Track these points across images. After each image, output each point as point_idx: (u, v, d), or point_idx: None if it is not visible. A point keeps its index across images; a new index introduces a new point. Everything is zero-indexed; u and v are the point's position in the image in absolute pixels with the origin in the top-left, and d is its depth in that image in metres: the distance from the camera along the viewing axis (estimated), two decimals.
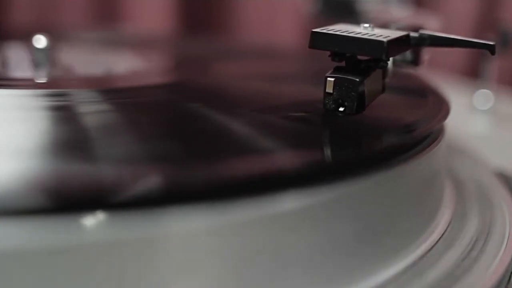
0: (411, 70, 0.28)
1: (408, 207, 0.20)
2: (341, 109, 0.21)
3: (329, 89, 0.21)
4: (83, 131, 0.20)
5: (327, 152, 0.19)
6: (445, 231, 0.21)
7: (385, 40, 0.20)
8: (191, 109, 0.23)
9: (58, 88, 0.27)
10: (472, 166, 0.28)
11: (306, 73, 0.35)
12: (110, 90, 0.26)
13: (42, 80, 0.31)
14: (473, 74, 0.57)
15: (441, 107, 0.24)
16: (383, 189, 0.18)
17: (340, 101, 0.21)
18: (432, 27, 0.29)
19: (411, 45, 0.23)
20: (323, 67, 0.22)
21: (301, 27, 0.64)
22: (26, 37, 0.33)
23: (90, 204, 0.14)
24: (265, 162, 0.17)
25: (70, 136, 0.19)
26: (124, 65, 0.35)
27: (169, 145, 0.18)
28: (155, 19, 0.65)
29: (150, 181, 0.15)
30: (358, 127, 0.21)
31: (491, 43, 0.22)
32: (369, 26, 0.22)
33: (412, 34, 0.22)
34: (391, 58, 0.23)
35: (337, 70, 0.21)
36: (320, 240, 0.17)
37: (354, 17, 0.37)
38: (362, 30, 0.21)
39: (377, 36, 0.20)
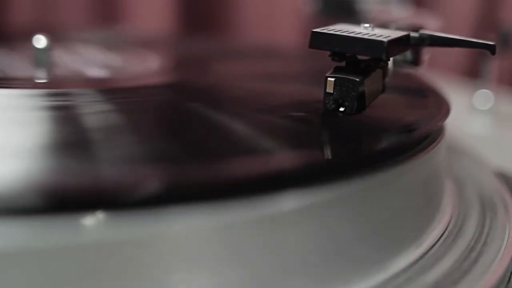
0: (411, 70, 0.28)
1: (408, 207, 0.20)
2: (341, 109, 0.21)
3: (329, 89, 0.21)
4: (83, 131, 0.20)
5: (327, 152, 0.19)
6: (444, 231, 0.21)
7: (385, 40, 0.20)
8: (191, 109, 0.23)
9: (58, 88, 0.27)
10: (472, 166, 0.28)
11: (306, 73, 0.35)
12: (110, 90, 0.26)
13: (42, 80, 0.31)
14: (473, 74, 0.57)
15: (441, 107, 0.24)
16: (383, 189, 0.18)
17: (340, 101, 0.21)
18: (432, 27, 0.29)
19: (411, 45, 0.23)
20: (323, 67, 0.22)
21: (301, 26, 0.64)
22: (26, 37, 0.33)
23: (90, 204, 0.14)
24: (265, 162, 0.17)
25: (70, 136, 0.19)
26: (124, 65, 0.35)
27: (169, 145, 0.18)
28: (155, 19, 0.65)
29: (150, 181, 0.15)
30: (358, 127, 0.21)
31: (491, 43, 0.22)
32: (369, 26, 0.22)
33: (412, 34, 0.22)
34: (391, 58, 0.23)
35: (337, 70, 0.21)
36: (320, 240, 0.17)
37: (354, 17, 0.37)
38: (362, 30, 0.21)
39: (377, 36, 0.20)
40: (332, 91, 0.21)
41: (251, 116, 0.22)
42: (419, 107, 0.25)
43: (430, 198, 0.22)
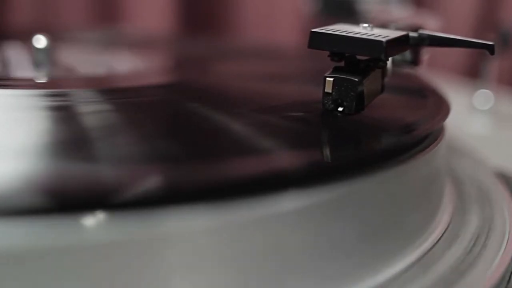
0: (411, 70, 0.28)
1: (408, 207, 0.20)
2: (340, 109, 0.21)
3: (328, 89, 0.21)
4: (83, 131, 0.20)
5: (327, 152, 0.19)
6: (445, 231, 0.21)
7: (384, 40, 0.20)
8: (191, 109, 0.23)
9: (58, 88, 0.27)
10: (472, 166, 0.28)
11: (306, 73, 0.35)
12: (110, 90, 0.26)
13: (42, 80, 0.31)
14: (473, 74, 0.57)
15: (441, 107, 0.24)
16: (383, 189, 0.18)
17: (339, 101, 0.21)
18: (432, 27, 0.29)
19: (410, 45, 0.23)
20: (323, 67, 0.22)
21: (301, 26, 0.64)
22: (26, 37, 0.33)
23: (90, 204, 0.14)
24: (265, 162, 0.17)
25: (70, 136, 0.19)
26: (124, 65, 0.35)
27: (169, 145, 0.18)
28: (155, 19, 0.65)
29: (150, 181, 0.15)
30: (358, 127, 0.21)
31: (490, 43, 0.22)
32: (369, 26, 0.22)
33: (412, 34, 0.22)
34: (390, 58, 0.23)
35: (336, 70, 0.21)
36: (321, 240, 0.17)
37: (354, 17, 0.37)
38: (362, 30, 0.21)
39: (376, 36, 0.20)
40: (331, 91, 0.21)
41: (251, 116, 0.22)
42: (419, 107, 0.25)
43: (430, 198, 0.22)
